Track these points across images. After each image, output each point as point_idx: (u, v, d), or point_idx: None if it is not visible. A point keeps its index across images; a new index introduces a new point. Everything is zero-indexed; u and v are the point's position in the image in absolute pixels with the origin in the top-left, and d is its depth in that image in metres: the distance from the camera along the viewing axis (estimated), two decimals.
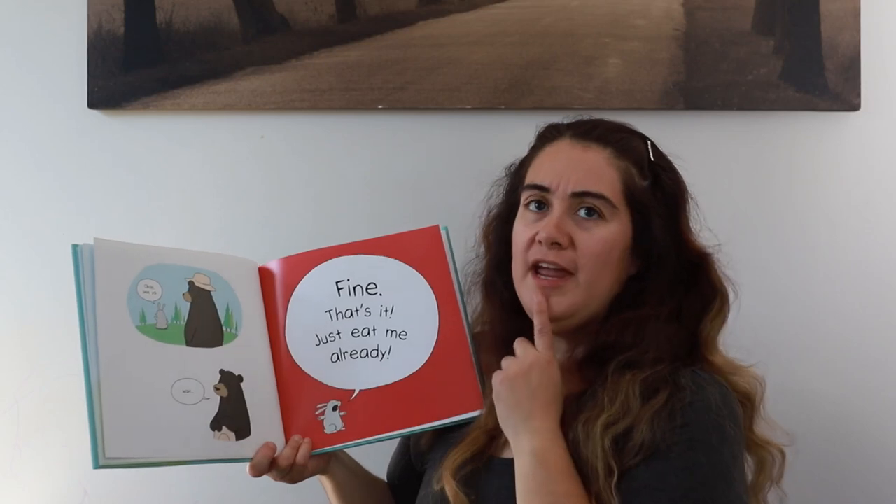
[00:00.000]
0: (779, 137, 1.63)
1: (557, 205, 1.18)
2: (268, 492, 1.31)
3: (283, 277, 1.31)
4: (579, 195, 1.17)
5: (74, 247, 1.19)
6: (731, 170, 1.63)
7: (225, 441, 1.18)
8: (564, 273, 1.17)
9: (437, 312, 1.28)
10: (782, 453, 1.21)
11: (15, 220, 1.64)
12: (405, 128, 1.63)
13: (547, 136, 1.25)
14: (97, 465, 1.10)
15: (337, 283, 1.29)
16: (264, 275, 1.31)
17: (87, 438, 1.10)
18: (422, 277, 1.29)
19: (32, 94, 1.63)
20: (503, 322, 1.25)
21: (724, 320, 1.21)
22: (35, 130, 1.63)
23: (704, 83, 1.61)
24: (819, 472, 1.58)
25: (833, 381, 1.62)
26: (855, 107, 1.61)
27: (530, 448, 1.10)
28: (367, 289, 1.29)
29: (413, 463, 1.34)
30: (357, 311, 1.28)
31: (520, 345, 1.17)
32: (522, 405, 1.12)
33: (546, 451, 1.09)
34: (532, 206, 1.21)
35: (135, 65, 1.60)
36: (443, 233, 1.32)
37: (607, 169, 1.18)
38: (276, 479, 1.23)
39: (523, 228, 1.21)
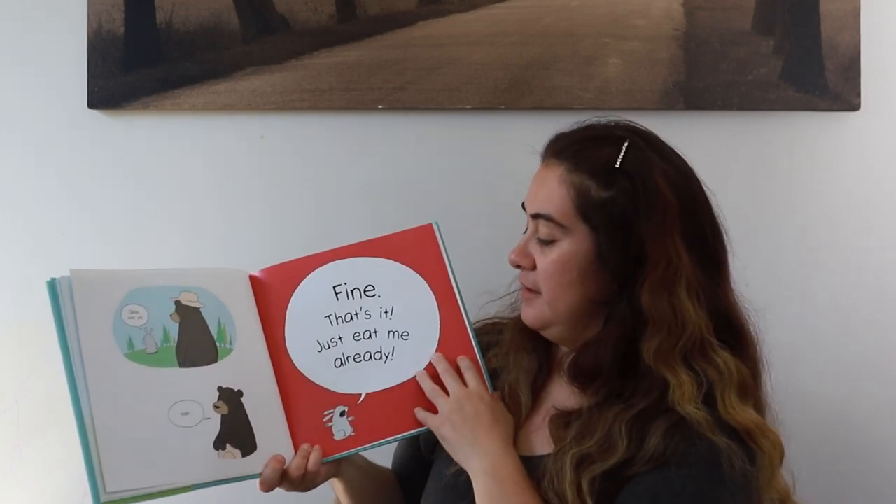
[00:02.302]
0: (779, 137, 1.64)
1: (529, 227, 1.21)
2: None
3: (278, 285, 1.28)
4: (535, 217, 1.19)
5: (51, 282, 1.14)
6: (731, 170, 1.63)
7: (231, 459, 1.15)
8: (535, 291, 1.20)
9: (437, 310, 1.27)
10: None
11: (15, 220, 1.64)
12: (405, 128, 1.63)
13: (542, 156, 1.24)
14: (98, 503, 1.07)
15: (334, 287, 1.28)
16: (257, 284, 1.28)
17: None
18: (419, 276, 1.28)
19: (32, 93, 1.63)
20: None
21: (664, 346, 1.11)
22: (35, 130, 1.63)
23: (704, 83, 1.61)
24: (819, 472, 1.58)
25: (833, 382, 1.62)
26: (855, 107, 1.61)
27: (482, 468, 1.14)
28: (365, 291, 1.28)
29: (423, 452, 1.34)
30: (357, 314, 1.27)
31: (451, 383, 1.21)
32: (465, 434, 1.17)
33: (497, 468, 1.14)
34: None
35: (135, 65, 1.60)
36: (436, 229, 1.30)
37: (558, 187, 1.16)
38: (288, 490, 1.21)
39: None
